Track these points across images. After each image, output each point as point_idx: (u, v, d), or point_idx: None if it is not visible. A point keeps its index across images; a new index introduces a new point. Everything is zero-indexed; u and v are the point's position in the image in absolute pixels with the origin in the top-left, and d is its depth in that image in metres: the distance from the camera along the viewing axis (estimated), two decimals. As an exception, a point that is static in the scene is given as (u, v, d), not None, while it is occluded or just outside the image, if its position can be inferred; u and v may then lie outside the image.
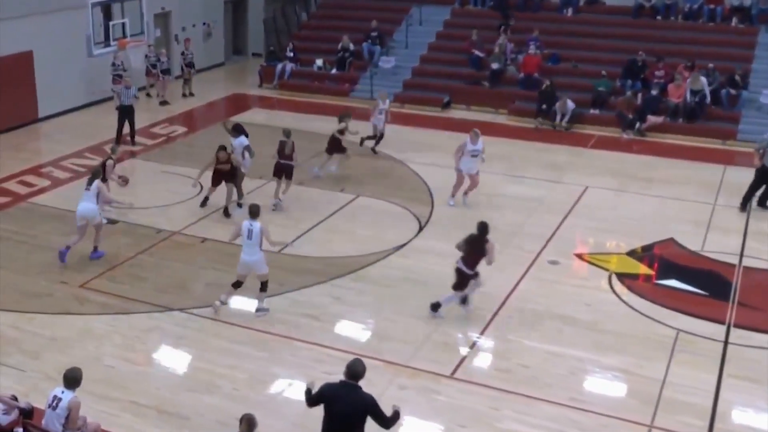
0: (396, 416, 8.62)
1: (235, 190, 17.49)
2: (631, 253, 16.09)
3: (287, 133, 18.18)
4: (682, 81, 24.88)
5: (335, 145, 19.82)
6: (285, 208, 17.81)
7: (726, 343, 12.88)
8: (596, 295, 14.38)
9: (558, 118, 24.85)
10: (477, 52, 28.09)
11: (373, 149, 21.73)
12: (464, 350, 12.55)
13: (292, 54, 30.15)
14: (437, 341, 12.71)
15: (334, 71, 29.44)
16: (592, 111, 25.28)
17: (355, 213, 17.79)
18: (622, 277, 15.08)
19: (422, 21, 30.83)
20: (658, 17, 28.84)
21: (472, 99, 27.02)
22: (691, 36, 27.86)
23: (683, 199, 18.91)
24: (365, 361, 8.90)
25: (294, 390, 11.37)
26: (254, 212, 13.09)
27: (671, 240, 16.67)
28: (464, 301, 13.37)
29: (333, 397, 8.52)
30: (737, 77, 25.13)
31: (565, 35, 28.97)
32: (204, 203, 17.60)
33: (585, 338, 12.89)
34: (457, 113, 26.61)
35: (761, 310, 13.99)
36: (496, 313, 13.58)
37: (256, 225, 12.96)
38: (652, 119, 24.31)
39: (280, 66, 29.70)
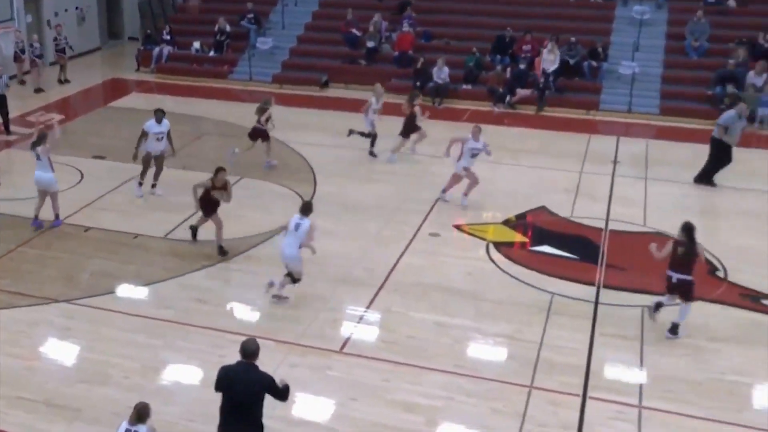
0: (287, 389, 8.61)
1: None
2: (507, 222, 16.44)
3: (266, 101, 19.20)
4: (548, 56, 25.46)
5: (410, 126, 19.80)
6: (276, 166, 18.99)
7: (597, 303, 13.28)
8: (476, 264, 14.63)
9: (435, 76, 25.08)
10: (353, 31, 28.09)
11: (371, 153, 20.24)
12: (352, 325, 12.56)
13: (168, 37, 29.57)
14: (326, 318, 12.72)
15: (211, 54, 28.99)
16: (464, 86, 25.62)
17: (239, 195, 17.53)
18: (499, 245, 15.38)
19: (297, 1, 30.64)
20: (524, -7, 29.45)
21: (350, 77, 27.03)
22: (554, 11, 28.55)
23: (553, 168, 19.39)
24: (258, 341, 8.87)
25: (188, 375, 11.23)
26: (306, 209, 12.96)
27: (543, 208, 17.09)
28: (657, 307, 12.50)
29: (231, 378, 8.46)
30: (599, 50, 25.84)
31: (437, 13, 29.24)
32: (195, 236, 15.24)
33: (467, 307, 13.11)
34: (336, 92, 26.58)
35: (627, 270, 14.46)
36: (381, 287, 13.66)
37: (306, 222, 12.76)
38: (520, 92, 24.82)
39: (157, 49, 29.09)
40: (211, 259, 14.49)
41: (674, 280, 12.12)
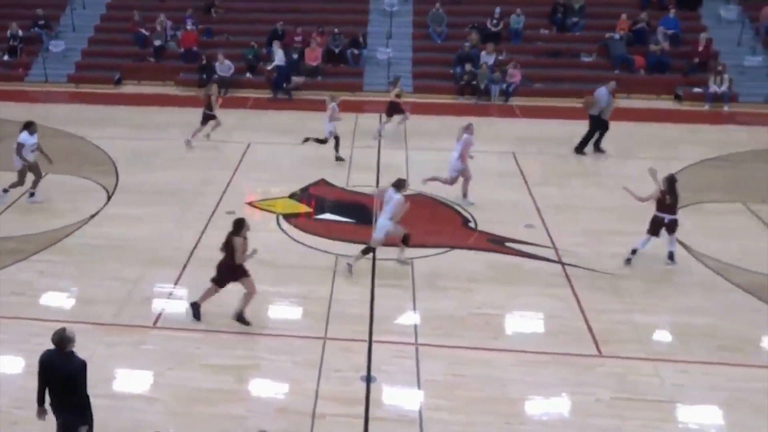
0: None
1: None
2: (292, 196, 16.36)
3: (208, 87, 19.34)
4: (316, 46, 25.45)
5: (394, 108, 19.97)
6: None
7: (374, 259, 13.43)
8: (269, 235, 14.47)
9: (218, 69, 24.43)
10: (141, 31, 26.89)
11: (338, 158, 18.38)
12: (163, 302, 12.12)
13: (-39, 44, 27.09)
14: (138, 297, 12.20)
15: (6, 58, 26.84)
16: (247, 76, 25.19)
17: (45, 190, 16.45)
18: (288, 217, 15.30)
19: (85, 5, 28.92)
20: (290, -9, 29.27)
21: (141, 74, 25.91)
22: (319, 6, 28.55)
23: (329, 145, 19.43)
24: (75, 326, 8.39)
25: (11, 366, 10.42)
26: (398, 185, 12.89)
27: (323, 180, 17.15)
28: (671, 257, 13.34)
29: (49, 366, 7.96)
30: (359, 39, 26.14)
31: (217, 12, 28.42)
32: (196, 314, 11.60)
33: (265, 274, 12.81)
34: (129, 88, 25.40)
35: (397, 229, 14.84)
36: (186, 265, 13.26)
37: (396, 196, 12.74)
38: (295, 80, 24.69)
39: (-50, 56, 26.62)
40: (23, 253, 13.53)
41: (666, 220, 13.07)
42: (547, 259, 13.55)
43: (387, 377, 10.22)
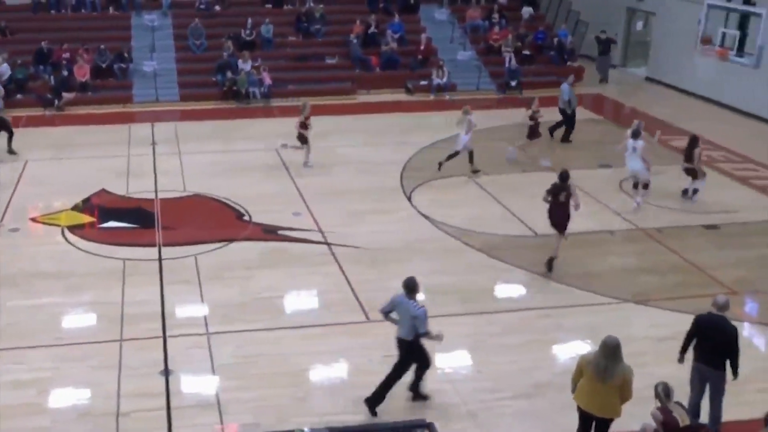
0: None
1: None
2: (75, 208, 15.11)
3: (303, 105, 17.33)
4: (83, 62, 23.62)
5: (533, 131, 18.04)
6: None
7: (160, 259, 12.89)
8: (56, 248, 13.32)
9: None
10: None
11: (474, 170, 16.73)
12: (-48, 326, 10.81)
13: None
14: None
15: None
16: (18, 96, 22.74)
17: None
18: (73, 228, 14.14)
19: None
20: (53, 11, 26.84)
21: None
22: (81, 24, 26.41)
23: (104, 156, 18.17)
24: None
25: None
26: (636, 134, 13.76)
27: (103, 190, 15.99)
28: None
29: None
30: (125, 53, 24.62)
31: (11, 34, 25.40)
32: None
33: (55, 286, 11.90)
34: None
35: (177, 229, 14.18)
36: (-28, 287, 11.89)
37: (639, 143, 13.71)
38: (66, 96, 22.73)
39: None
40: None
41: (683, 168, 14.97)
42: (315, 242, 13.63)
43: (183, 368, 9.81)
